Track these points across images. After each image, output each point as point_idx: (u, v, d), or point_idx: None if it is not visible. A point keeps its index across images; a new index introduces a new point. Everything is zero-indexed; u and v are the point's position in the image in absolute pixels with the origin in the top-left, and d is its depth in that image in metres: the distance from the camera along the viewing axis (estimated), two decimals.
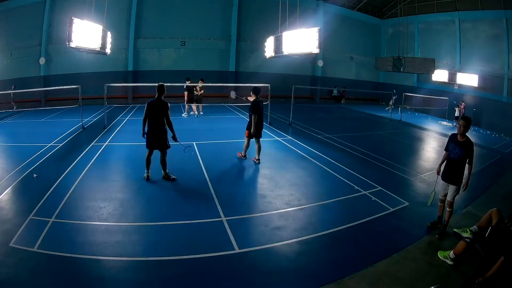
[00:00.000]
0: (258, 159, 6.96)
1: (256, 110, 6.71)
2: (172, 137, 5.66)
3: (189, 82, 12.49)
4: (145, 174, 5.73)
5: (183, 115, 12.78)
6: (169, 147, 5.71)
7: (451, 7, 17.88)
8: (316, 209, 4.99)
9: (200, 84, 12.72)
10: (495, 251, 2.95)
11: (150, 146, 5.63)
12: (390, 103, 18.16)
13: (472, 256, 3.52)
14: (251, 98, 6.94)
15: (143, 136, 5.65)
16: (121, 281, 3.17)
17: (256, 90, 6.89)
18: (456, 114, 16.12)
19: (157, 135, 5.55)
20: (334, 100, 21.43)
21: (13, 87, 13.71)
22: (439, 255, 3.73)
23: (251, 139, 6.99)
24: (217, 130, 10.71)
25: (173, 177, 5.83)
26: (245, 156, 7.15)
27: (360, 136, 11.10)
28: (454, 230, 3.44)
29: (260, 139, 7.02)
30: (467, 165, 4.24)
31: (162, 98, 5.53)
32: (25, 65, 15.71)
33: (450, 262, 3.60)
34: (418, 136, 12.49)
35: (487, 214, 3.45)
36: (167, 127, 5.57)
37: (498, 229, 3.19)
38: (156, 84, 5.58)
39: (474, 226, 3.39)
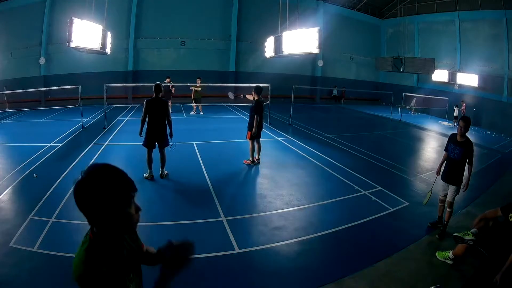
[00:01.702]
0: (258, 159, 6.95)
1: (260, 110, 6.65)
2: (169, 134, 5.77)
3: (168, 80, 12.51)
4: (148, 174, 5.74)
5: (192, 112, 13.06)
6: (168, 145, 5.79)
7: (451, 7, 17.88)
8: (316, 209, 4.99)
9: (198, 84, 12.73)
10: (501, 248, 2.94)
11: (150, 145, 5.63)
12: (412, 104, 18.46)
13: (472, 256, 3.52)
14: (250, 97, 6.90)
15: (140, 135, 5.67)
16: None
17: (258, 90, 6.76)
18: (455, 113, 16.13)
19: (159, 133, 5.60)
20: (334, 100, 21.43)
21: (4, 87, 13.67)
22: (438, 256, 3.71)
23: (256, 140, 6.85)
24: (217, 130, 10.72)
25: (166, 172, 5.94)
26: (253, 161, 6.86)
27: (360, 136, 11.10)
28: (455, 234, 3.42)
29: (260, 139, 6.98)
30: (467, 165, 4.24)
31: (160, 96, 5.62)
32: (25, 65, 15.71)
33: (450, 262, 3.60)
34: (418, 136, 12.50)
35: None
36: (167, 125, 5.68)
37: (500, 225, 3.18)
38: (153, 84, 5.69)
39: (474, 229, 3.39)
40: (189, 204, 4.97)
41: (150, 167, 5.72)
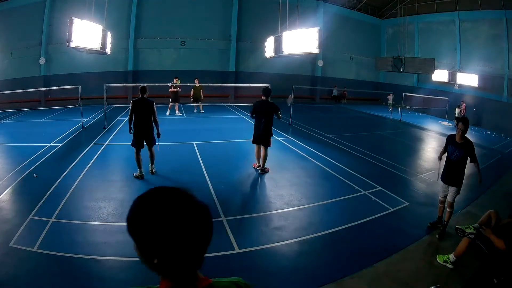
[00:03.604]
0: (261, 168, 6.48)
1: (254, 111, 6.38)
2: (156, 133, 5.91)
3: (176, 81, 12.53)
4: (138, 173, 5.78)
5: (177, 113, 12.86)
6: (155, 143, 5.93)
7: (451, 7, 17.88)
8: (316, 209, 4.99)
9: (197, 84, 12.83)
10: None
11: (139, 144, 5.73)
12: (390, 102, 18.65)
13: (472, 258, 3.52)
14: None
15: (130, 132, 5.79)
16: (121, 281, 3.17)
17: (263, 91, 6.43)
18: (457, 114, 16.11)
19: (146, 132, 5.74)
20: (335, 100, 21.44)
21: None
22: (438, 260, 3.67)
23: (260, 145, 6.39)
24: (217, 130, 10.71)
25: (155, 169, 6.08)
26: (258, 166, 6.48)
27: (360, 136, 11.10)
28: (457, 226, 3.44)
29: (268, 147, 6.36)
30: (471, 164, 4.25)
31: (145, 97, 5.77)
32: (25, 65, 15.70)
33: (450, 266, 3.56)
34: (418, 136, 12.50)
35: (486, 215, 3.46)
36: (154, 124, 5.84)
37: (503, 225, 3.20)
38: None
39: (476, 224, 3.41)
40: None
41: (140, 166, 5.78)
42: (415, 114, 19.00)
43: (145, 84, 6.05)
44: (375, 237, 4.25)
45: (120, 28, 15.98)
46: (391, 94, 18.97)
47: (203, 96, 13.71)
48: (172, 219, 0.74)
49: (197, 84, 12.94)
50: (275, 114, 6.33)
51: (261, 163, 6.44)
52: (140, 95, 5.75)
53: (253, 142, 6.49)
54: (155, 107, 5.77)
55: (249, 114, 6.56)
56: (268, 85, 7.40)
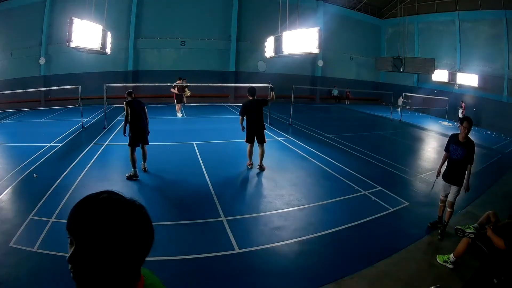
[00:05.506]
0: (255, 164, 6.66)
1: (243, 111, 6.48)
2: (147, 132, 6.07)
3: (180, 82, 12.52)
4: (132, 173, 5.75)
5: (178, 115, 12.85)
6: (148, 143, 6.11)
7: (451, 7, 17.88)
8: (316, 209, 4.99)
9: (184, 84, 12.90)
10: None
11: (135, 144, 5.82)
12: (399, 103, 18.45)
13: (472, 258, 3.52)
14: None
15: (125, 134, 5.91)
16: None
17: (249, 91, 6.58)
18: (459, 115, 16.08)
19: (143, 132, 5.90)
20: (334, 100, 21.42)
21: None
22: (438, 260, 3.67)
23: (254, 144, 6.56)
24: (217, 130, 10.71)
25: (147, 166, 6.22)
26: (250, 164, 6.70)
27: (360, 136, 11.10)
28: (457, 227, 3.45)
29: (263, 144, 6.53)
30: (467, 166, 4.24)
31: (135, 98, 6.04)
32: (25, 65, 15.70)
33: (450, 266, 3.56)
34: (418, 136, 12.49)
35: (485, 215, 3.47)
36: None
37: (502, 225, 3.20)
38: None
39: (476, 224, 3.42)
40: (189, 204, 4.97)
41: (134, 166, 5.78)
42: (415, 114, 18.99)
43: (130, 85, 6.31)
44: (375, 237, 4.25)
45: (120, 28, 15.97)
46: (401, 97, 18.66)
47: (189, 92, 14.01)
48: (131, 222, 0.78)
49: (184, 83, 13.03)
50: (265, 104, 6.59)
51: (259, 160, 6.56)
52: (129, 98, 5.96)
53: (247, 141, 6.56)
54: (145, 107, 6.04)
55: (239, 115, 6.58)
56: (254, 85, 7.46)
